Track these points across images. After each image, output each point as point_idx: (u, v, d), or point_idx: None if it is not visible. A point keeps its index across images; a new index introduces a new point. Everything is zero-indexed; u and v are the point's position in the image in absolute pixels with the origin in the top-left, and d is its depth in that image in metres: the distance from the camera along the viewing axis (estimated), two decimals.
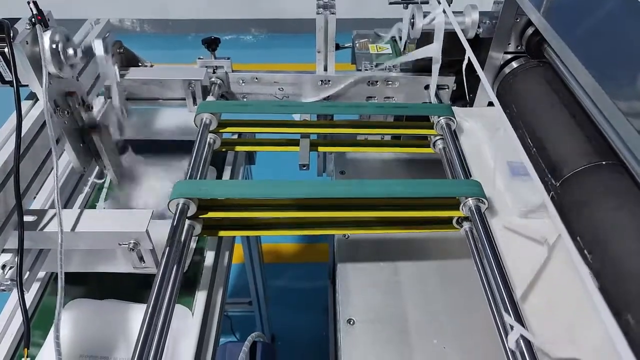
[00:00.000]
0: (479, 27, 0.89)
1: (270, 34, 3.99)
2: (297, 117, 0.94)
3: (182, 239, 0.65)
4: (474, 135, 0.88)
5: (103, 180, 0.94)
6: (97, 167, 0.90)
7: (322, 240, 2.16)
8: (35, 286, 0.80)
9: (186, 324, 0.74)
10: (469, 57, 0.76)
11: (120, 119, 0.93)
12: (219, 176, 1.00)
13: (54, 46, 0.70)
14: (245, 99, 1.03)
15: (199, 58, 0.98)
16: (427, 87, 0.97)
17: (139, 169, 0.93)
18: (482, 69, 0.93)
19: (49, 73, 0.70)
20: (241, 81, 1.00)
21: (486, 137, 0.85)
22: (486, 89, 0.74)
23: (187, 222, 0.68)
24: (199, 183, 0.74)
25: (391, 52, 1.11)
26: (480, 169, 0.79)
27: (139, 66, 1.00)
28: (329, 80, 0.98)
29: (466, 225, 0.70)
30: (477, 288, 0.62)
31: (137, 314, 0.75)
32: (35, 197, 0.81)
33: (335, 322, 0.78)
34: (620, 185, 0.64)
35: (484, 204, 0.69)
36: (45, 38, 0.69)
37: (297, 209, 0.71)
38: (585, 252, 0.62)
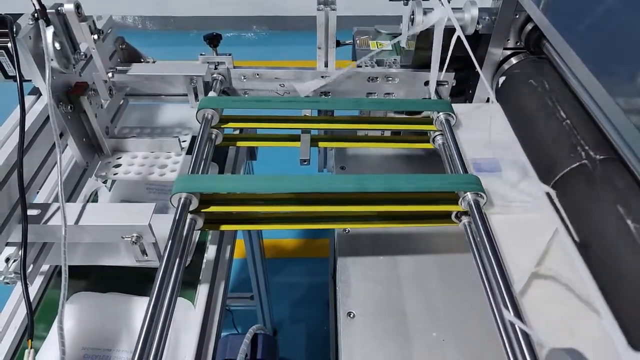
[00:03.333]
0: (478, 23, 0.89)
1: (272, 31, 3.99)
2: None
3: (185, 232, 0.66)
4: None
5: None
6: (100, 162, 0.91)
7: (323, 235, 2.17)
8: (39, 279, 0.81)
9: (188, 317, 0.75)
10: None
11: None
12: (221, 172, 1.01)
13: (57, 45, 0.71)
14: (246, 95, 1.04)
15: (201, 54, 0.98)
16: (426, 83, 0.98)
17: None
18: (482, 66, 0.93)
19: (52, 68, 0.71)
20: (242, 77, 1.00)
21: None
22: (485, 85, 0.75)
23: (189, 216, 0.68)
24: (201, 178, 0.75)
25: (391, 48, 1.11)
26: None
27: (141, 62, 1.00)
28: (330, 77, 0.98)
29: (465, 219, 0.71)
30: (476, 282, 0.63)
31: (139, 307, 0.76)
32: (38, 191, 0.82)
33: (335, 316, 0.79)
34: (618, 180, 0.64)
35: (483, 198, 0.69)
36: (48, 33, 0.70)
37: (298, 203, 0.72)
38: (583, 246, 0.62)
